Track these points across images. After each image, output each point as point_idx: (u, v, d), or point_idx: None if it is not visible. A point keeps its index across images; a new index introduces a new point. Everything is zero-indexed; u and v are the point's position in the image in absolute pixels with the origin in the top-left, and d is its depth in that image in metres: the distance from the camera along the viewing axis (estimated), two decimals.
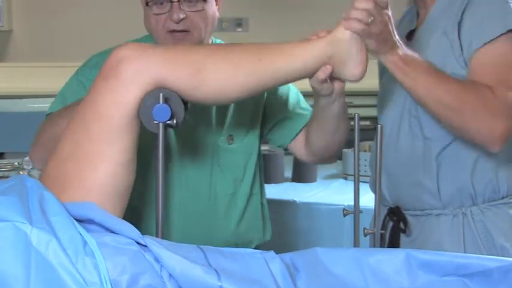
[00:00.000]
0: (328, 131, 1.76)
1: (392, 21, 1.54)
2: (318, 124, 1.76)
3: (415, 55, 1.60)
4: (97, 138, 1.36)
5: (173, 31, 1.72)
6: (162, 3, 1.72)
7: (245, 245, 1.79)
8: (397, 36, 1.57)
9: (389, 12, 1.52)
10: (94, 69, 1.68)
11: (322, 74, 1.50)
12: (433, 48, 1.70)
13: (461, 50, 1.65)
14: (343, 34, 1.48)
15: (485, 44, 1.61)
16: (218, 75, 1.41)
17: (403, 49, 1.58)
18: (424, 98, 1.60)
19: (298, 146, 1.88)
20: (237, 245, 1.77)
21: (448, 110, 1.59)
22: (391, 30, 1.53)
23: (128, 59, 1.38)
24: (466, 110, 1.58)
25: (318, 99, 1.65)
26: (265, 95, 1.86)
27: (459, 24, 1.66)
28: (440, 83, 1.58)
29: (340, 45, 1.48)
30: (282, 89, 1.88)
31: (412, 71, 1.58)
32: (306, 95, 5.79)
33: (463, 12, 1.66)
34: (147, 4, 1.74)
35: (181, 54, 1.43)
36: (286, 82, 1.52)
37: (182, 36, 1.73)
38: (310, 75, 1.51)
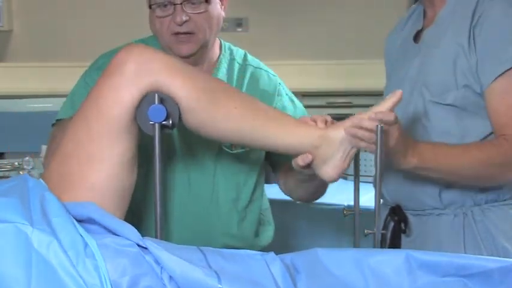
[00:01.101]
0: (305, 193, 1.80)
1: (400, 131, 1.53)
2: (294, 185, 1.79)
3: (429, 148, 1.61)
4: (97, 137, 1.36)
5: (177, 33, 1.72)
6: (165, 6, 1.72)
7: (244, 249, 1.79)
8: (408, 140, 1.56)
9: (398, 125, 1.52)
10: (100, 70, 1.69)
11: (301, 161, 1.52)
12: (444, 50, 1.68)
13: (476, 65, 1.64)
14: (338, 136, 1.50)
15: (499, 75, 1.61)
16: (211, 111, 1.43)
17: (416, 150, 1.58)
18: (455, 179, 1.65)
19: (281, 177, 1.88)
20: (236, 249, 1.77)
21: (481, 179, 1.65)
22: (402, 141, 1.53)
23: (135, 58, 1.38)
24: (495, 173, 1.63)
25: (297, 174, 1.66)
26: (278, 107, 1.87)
27: (473, 36, 1.64)
28: (465, 161, 1.61)
29: (329, 144, 1.49)
30: (298, 112, 1.90)
31: (434, 166, 1.60)
32: (305, 94, 5.73)
33: (475, 25, 1.64)
34: (150, 7, 1.74)
35: (189, 75, 1.44)
36: (264, 149, 1.53)
37: (186, 38, 1.73)
38: (290, 154, 1.53)
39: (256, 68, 1.89)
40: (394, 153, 1.54)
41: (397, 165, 1.58)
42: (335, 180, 1.53)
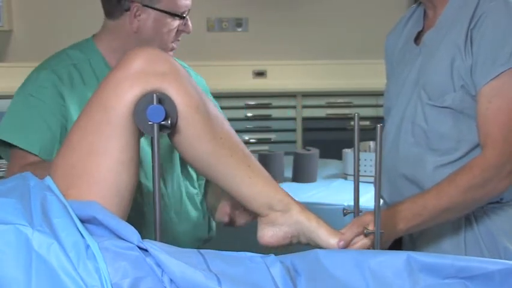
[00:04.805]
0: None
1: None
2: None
3: (406, 208, 1.61)
4: (98, 128, 1.36)
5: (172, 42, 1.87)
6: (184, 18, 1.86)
7: None
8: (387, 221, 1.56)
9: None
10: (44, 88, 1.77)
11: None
12: (443, 52, 1.68)
13: (471, 68, 1.64)
14: (297, 218, 1.49)
15: (492, 78, 1.61)
16: (200, 129, 1.42)
17: (401, 218, 1.59)
18: (452, 216, 1.65)
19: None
20: None
21: (474, 203, 1.64)
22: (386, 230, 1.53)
23: (145, 57, 1.38)
24: (484, 192, 1.62)
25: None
26: None
27: (471, 38, 1.64)
28: (447, 200, 1.60)
29: (285, 216, 1.49)
30: None
31: (423, 219, 1.60)
32: (305, 94, 5.73)
33: (473, 28, 1.64)
34: (181, 17, 1.84)
35: (192, 85, 1.43)
36: (226, 187, 1.50)
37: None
38: (245, 204, 1.52)
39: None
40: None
41: (393, 236, 1.60)
42: (265, 244, 1.51)
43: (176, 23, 1.84)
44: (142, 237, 1.23)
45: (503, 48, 1.60)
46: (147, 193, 1.79)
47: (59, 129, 1.73)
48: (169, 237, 1.81)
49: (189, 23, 1.87)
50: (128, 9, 1.81)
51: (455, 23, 1.69)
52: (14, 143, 1.74)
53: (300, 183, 3.02)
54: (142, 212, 1.77)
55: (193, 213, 1.95)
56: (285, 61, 5.35)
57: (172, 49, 1.87)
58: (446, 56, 1.67)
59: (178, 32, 1.86)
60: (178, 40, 1.88)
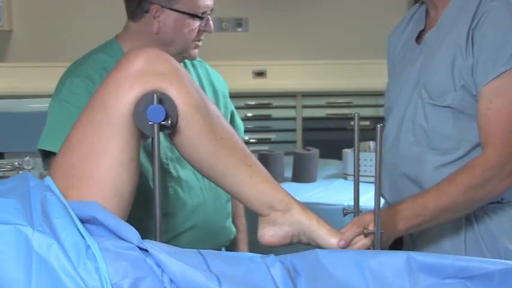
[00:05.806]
0: None
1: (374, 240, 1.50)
2: None
3: (407, 207, 1.61)
4: (98, 128, 1.36)
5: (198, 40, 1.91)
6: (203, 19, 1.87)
7: None
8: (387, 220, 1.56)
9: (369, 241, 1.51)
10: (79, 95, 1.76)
11: None
12: (444, 51, 1.68)
13: (472, 68, 1.64)
14: (298, 218, 1.48)
15: (493, 78, 1.61)
16: (201, 129, 1.41)
17: (401, 217, 1.60)
18: (452, 216, 1.66)
19: None
20: None
21: (474, 203, 1.64)
22: (386, 228, 1.53)
23: (145, 57, 1.38)
24: (484, 192, 1.62)
25: None
26: None
27: (472, 38, 1.64)
28: (447, 200, 1.61)
29: (286, 216, 1.48)
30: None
31: (423, 219, 1.61)
32: (305, 94, 5.73)
33: (475, 28, 1.64)
34: (200, 17, 1.86)
35: (193, 85, 1.43)
36: (226, 188, 1.50)
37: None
38: (246, 204, 1.51)
39: (201, 62, 2.04)
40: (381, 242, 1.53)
41: (393, 236, 1.61)
42: (265, 244, 1.50)
43: (197, 23, 1.86)
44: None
45: (504, 48, 1.60)
46: (188, 188, 1.84)
47: None
48: (205, 232, 1.88)
49: (211, 22, 1.89)
50: (147, 11, 1.83)
51: (457, 22, 1.69)
52: (56, 151, 1.74)
53: (300, 183, 3.02)
54: (186, 207, 1.85)
55: (227, 205, 1.98)
56: (285, 61, 5.35)
57: (196, 47, 1.90)
58: (447, 56, 1.67)
59: (200, 31, 1.88)
60: (201, 39, 1.90)
